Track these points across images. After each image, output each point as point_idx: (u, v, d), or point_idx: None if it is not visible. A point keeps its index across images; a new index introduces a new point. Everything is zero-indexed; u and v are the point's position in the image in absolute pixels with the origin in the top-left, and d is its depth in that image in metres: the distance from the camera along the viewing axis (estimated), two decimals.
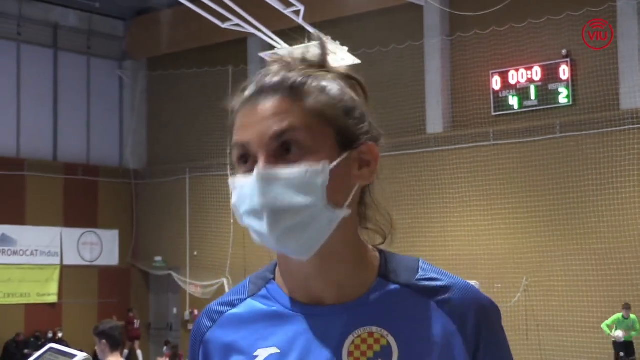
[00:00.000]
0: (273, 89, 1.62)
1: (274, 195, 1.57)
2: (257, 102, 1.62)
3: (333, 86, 1.65)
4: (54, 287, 25.96)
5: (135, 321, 26.59)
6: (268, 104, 1.61)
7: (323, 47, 1.71)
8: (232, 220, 24.03)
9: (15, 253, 25.29)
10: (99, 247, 27.07)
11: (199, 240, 26.03)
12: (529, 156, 20.50)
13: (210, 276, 25.29)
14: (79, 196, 26.62)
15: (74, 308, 26.14)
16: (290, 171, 1.57)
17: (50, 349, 1.57)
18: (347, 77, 1.71)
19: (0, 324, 24.49)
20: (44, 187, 25.90)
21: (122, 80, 28.46)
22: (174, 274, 26.24)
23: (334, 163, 1.60)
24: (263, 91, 1.63)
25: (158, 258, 27.07)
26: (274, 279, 1.76)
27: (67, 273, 26.20)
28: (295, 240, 1.59)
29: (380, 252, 1.75)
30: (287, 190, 1.57)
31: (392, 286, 1.69)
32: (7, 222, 25.16)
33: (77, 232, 26.56)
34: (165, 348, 23.66)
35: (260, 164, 1.58)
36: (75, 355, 1.54)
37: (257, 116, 1.61)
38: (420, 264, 1.73)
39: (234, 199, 1.63)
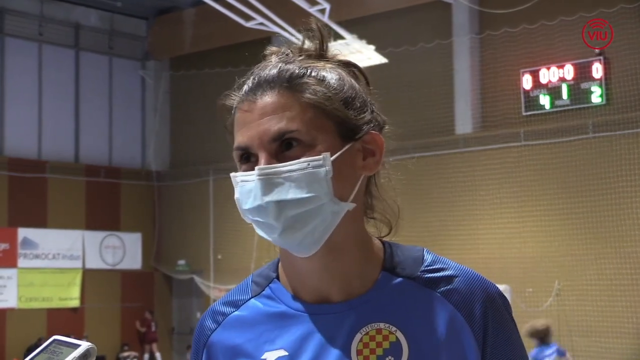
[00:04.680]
0: (270, 82, 1.63)
1: (277, 191, 1.57)
2: (255, 98, 1.64)
3: (332, 76, 1.64)
4: (76, 291, 25.80)
5: (152, 324, 26.38)
6: (266, 100, 1.62)
7: (322, 36, 1.70)
8: None
9: (37, 257, 25.12)
10: (122, 251, 26.89)
11: (223, 244, 25.79)
12: (560, 157, 20.17)
13: (235, 280, 24.99)
14: (101, 198, 26.48)
15: (97, 312, 25.99)
16: (291, 166, 1.57)
17: (55, 340, 1.37)
18: (346, 64, 1.70)
19: (22, 329, 24.33)
20: (65, 190, 25.75)
21: (144, 80, 28.29)
22: (197, 278, 26.04)
23: (336, 155, 1.59)
24: (261, 85, 1.64)
25: (181, 261, 26.87)
26: (277, 277, 1.75)
27: (89, 277, 26.02)
28: (299, 233, 1.58)
29: (384, 243, 1.73)
30: (290, 185, 1.57)
31: (397, 279, 1.68)
32: (28, 225, 25.01)
33: (99, 235, 26.38)
34: (188, 354, 23.45)
35: (262, 163, 1.60)
36: (79, 345, 1.31)
37: (255, 113, 1.62)
38: (425, 255, 1.72)
39: (236, 194, 1.66)
